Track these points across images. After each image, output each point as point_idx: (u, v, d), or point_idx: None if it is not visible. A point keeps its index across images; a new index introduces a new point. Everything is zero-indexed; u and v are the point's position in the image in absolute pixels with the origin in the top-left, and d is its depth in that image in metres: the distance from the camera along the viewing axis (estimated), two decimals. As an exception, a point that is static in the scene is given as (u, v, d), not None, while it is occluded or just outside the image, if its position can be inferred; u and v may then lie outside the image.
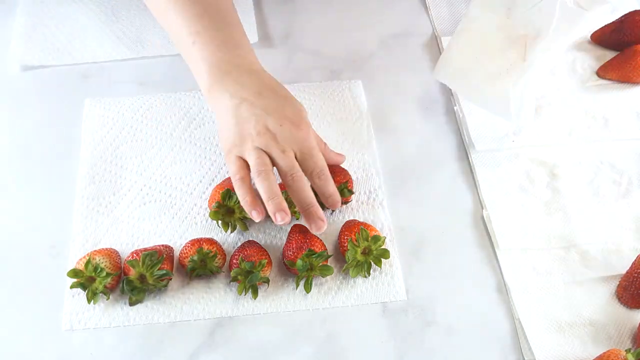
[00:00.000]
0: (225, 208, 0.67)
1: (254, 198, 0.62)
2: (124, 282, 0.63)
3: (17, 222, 0.69)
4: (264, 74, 0.67)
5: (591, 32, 0.86)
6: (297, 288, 0.65)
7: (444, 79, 0.77)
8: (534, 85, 0.71)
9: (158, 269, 0.62)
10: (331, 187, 0.65)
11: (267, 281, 0.64)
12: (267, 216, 0.69)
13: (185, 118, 0.78)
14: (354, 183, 0.72)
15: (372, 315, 0.64)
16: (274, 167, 0.63)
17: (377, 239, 0.64)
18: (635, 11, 0.84)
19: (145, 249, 0.65)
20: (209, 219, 0.69)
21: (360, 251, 0.65)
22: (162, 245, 0.67)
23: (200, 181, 0.73)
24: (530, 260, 0.67)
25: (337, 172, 0.70)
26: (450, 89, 0.81)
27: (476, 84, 0.73)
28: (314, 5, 0.91)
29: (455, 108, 0.80)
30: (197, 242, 0.65)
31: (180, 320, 0.63)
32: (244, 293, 0.63)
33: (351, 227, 0.66)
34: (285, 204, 0.62)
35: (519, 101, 0.70)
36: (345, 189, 0.68)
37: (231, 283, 0.65)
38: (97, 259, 0.63)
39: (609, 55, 0.84)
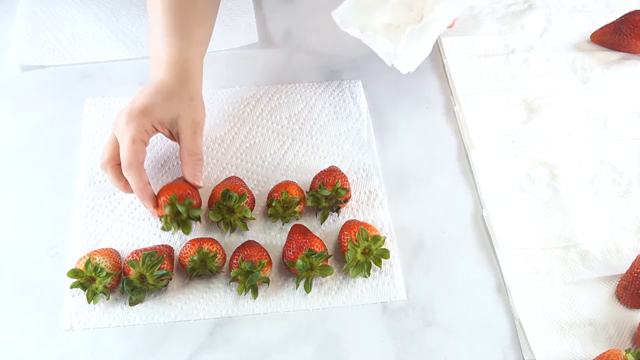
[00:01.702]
0: (225, 208, 0.67)
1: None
2: (124, 282, 0.63)
3: (17, 222, 0.69)
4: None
5: (591, 32, 0.87)
6: (297, 288, 0.65)
7: (340, 23, 0.75)
8: (428, 40, 0.73)
9: (158, 269, 0.62)
10: None
11: (267, 281, 0.64)
12: (267, 216, 0.70)
13: (185, 118, 0.78)
14: (354, 183, 0.72)
15: (372, 315, 0.64)
16: None
17: (377, 239, 0.64)
18: (635, 11, 0.84)
19: (145, 249, 0.65)
20: (209, 219, 0.69)
21: (360, 251, 0.65)
22: (162, 245, 0.67)
23: (200, 181, 0.73)
24: (530, 260, 0.67)
25: (329, 173, 0.70)
26: (450, 89, 0.82)
27: (371, 29, 0.75)
28: (314, 5, 0.91)
29: (455, 108, 0.80)
30: (197, 242, 0.65)
31: (180, 320, 0.63)
32: (244, 293, 0.64)
33: (351, 227, 0.66)
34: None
35: (406, 48, 0.72)
36: (340, 188, 0.68)
37: (231, 283, 0.65)
38: (97, 259, 0.63)
39: (609, 55, 0.84)
